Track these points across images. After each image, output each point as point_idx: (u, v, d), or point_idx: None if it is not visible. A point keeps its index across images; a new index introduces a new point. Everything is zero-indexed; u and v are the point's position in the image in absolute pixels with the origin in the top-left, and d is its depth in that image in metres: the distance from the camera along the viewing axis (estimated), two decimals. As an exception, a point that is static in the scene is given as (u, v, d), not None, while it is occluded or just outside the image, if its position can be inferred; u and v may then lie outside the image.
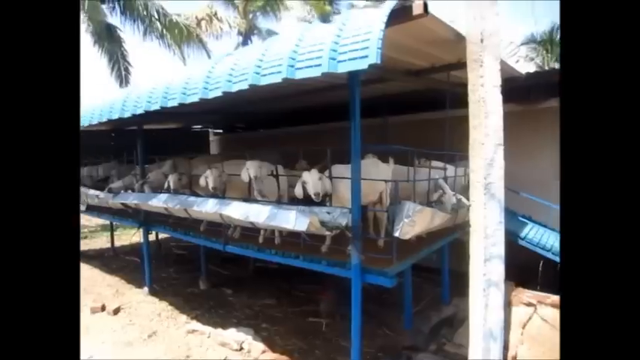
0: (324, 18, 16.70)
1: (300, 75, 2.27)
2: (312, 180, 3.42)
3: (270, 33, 15.93)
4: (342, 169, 3.71)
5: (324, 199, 3.62)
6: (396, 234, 3.10)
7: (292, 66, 2.28)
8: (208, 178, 4.21)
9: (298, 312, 5.25)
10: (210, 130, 11.75)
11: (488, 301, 3.04)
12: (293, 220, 3.10)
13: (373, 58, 1.98)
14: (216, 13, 13.97)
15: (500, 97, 2.93)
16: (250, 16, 14.92)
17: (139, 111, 3.71)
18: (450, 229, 4.49)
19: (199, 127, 11.25)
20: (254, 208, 3.50)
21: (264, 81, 2.45)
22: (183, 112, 6.86)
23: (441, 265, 5.00)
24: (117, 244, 8.82)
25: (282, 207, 3.41)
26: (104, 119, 4.37)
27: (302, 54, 2.28)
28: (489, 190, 2.99)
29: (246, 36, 15.11)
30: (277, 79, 2.35)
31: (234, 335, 4.28)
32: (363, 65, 2.03)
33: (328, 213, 3.45)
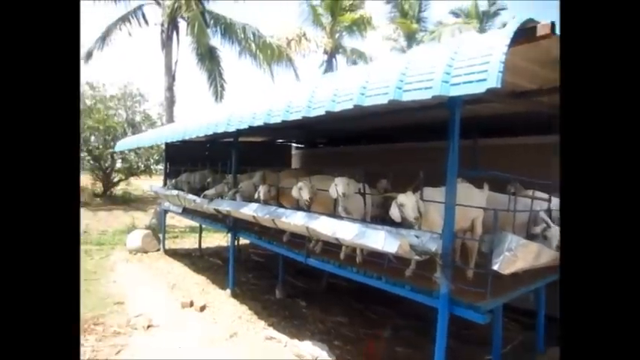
0: (411, 36, 16.64)
1: (407, 97, 2.27)
2: (410, 203, 3.36)
3: (355, 52, 16.33)
4: (432, 193, 3.60)
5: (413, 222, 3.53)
6: (495, 267, 2.89)
7: (400, 88, 2.28)
8: (302, 190, 4.37)
9: (371, 334, 5.13)
10: (292, 144, 12.27)
11: None
12: (382, 240, 3.07)
13: (493, 81, 1.90)
14: (305, 34, 14.77)
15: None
16: (337, 35, 15.47)
17: (243, 126, 4.02)
18: (550, 269, 4.05)
19: (282, 141, 11.82)
20: (342, 224, 3.54)
21: (370, 101, 2.49)
22: (272, 127, 7.30)
23: (537, 308, 4.51)
24: (202, 245, 9.55)
25: (371, 226, 3.39)
26: (210, 132, 4.82)
27: (412, 75, 2.27)
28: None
29: (331, 54, 15.68)
30: (383, 100, 2.38)
31: (309, 348, 4.32)
32: (480, 89, 1.96)
33: (417, 237, 3.35)
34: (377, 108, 4.76)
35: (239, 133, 5.32)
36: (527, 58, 2.78)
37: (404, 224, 3.52)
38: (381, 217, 4.48)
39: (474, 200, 3.82)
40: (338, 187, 3.94)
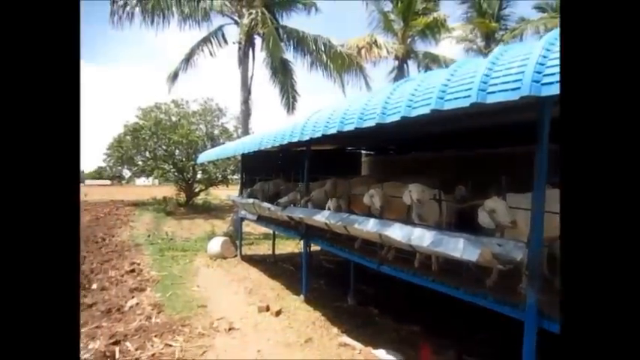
0: (489, 35, 15.81)
1: (492, 99, 2.20)
2: (501, 207, 3.22)
3: (427, 56, 15.96)
4: (516, 199, 3.40)
5: (495, 231, 3.36)
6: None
7: (484, 90, 2.22)
8: (374, 198, 4.41)
9: (447, 345, 4.92)
10: (362, 151, 12.33)
11: None
12: (461, 248, 2.97)
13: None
14: (375, 41, 14.80)
15: None
16: (408, 40, 15.28)
17: (317, 134, 4.18)
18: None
19: (352, 148, 11.93)
20: (417, 231, 3.49)
21: (449, 105, 2.46)
22: (343, 135, 7.44)
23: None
24: (276, 252, 9.96)
25: (448, 233, 3.30)
26: (285, 142, 5.08)
27: (497, 76, 2.20)
28: None
29: (403, 60, 15.49)
30: (465, 103, 2.33)
31: (383, 356, 4.28)
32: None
33: (499, 245, 3.18)
34: (451, 112, 4.67)
35: (311, 141, 5.52)
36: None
37: (484, 232, 3.37)
38: (458, 225, 4.32)
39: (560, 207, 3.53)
40: (412, 193, 3.90)
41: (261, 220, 8.50)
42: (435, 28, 14.68)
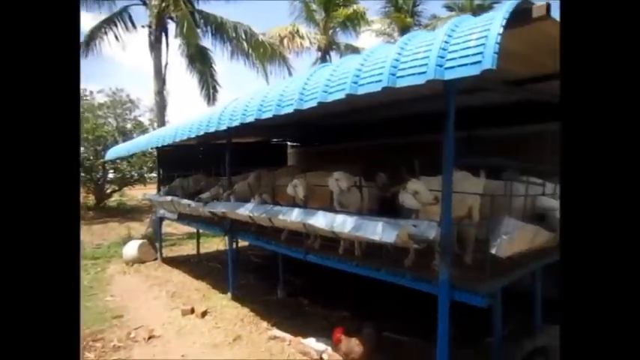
0: (405, 30, 16.67)
1: (402, 83, 2.25)
2: (423, 188, 3.35)
3: (349, 47, 16.33)
4: (430, 182, 3.61)
5: (409, 213, 3.53)
6: (493, 251, 2.89)
7: (394, 74, 2.27)
8: (297, 188, 4.36)
9: (375, 326, 5.11)
10: (287, 143, 12.25)
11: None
12: (380, 231, 3.06)
13: (488, 62, 1.89)
14: (298, 31, 14.70)
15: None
16: (330, 32, 15.44)
17: (235, 123, 3.99)
18: (547, 252, 4.08)
19: (277, 140, 11.79)
20: (339, 218, 3.53)
21: (362, 90, 2.48)
22: (265, 125, 7.27)
23: (534, 290, 4.53)
24: (201, 251, 9.49)
25: (368, 218, 3.38)
26: (202, 132, 4.78)
27: (405, 61, 2.26)
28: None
29: (325, 51, 15.63)
30: (377, 87, 2.36)
31: (313, 344, 4.30)
32: (474, 71, 1.95)
33: (414, 226, 3.35)
34: (372, 101, 4.83)
35: (231, 132, 5.28)
36: (522, 42, 2.77)
37: (403, 216, 3.53)
38: (380, 211, 4.47)
39: (470, 188, 3.83)
40: (340, 181, 3.92)
41: (182, 218, 8.00)
42: (355, 20, 15.07)
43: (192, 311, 5.64)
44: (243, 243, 7.68)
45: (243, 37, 12.34)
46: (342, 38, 16.57)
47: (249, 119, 3.71)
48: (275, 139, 11.62)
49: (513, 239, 2.85)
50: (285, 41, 14.31)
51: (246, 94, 4.56)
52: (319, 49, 15.47)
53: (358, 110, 5.41)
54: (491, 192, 3.73)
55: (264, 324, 5.15)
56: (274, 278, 6.52)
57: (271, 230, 5.44)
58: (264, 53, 12.51)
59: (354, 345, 3.91)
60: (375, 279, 3.87)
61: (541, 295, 4.59)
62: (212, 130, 4.45)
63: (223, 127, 4.21)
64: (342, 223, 3.43)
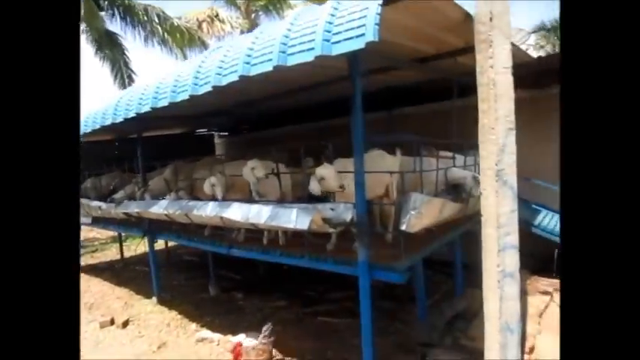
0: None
1: (292, 61, 2.12)
2: (330, 173, 3.26)
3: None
4: (345, 164, 3.56)
5: (328, 196, 3.47)
6: (403, 227, 2.93)
7: (284, 52, 2.12)
8: (215, 187, 4.09)
9: (310, 312, 5.12)
10: (215, 133, 11.68)
11: (503, 293, 2.89)
12: (294, 218, 2.95)
13: (370, 35, 1.82)
14: (217, 15, 13.86)
15: (511, 80, 2.74)
16: (253, 15, 14.80)
17: (131, 114, 3.60)
18: (462, 220, 4.30)
19: (204, 130, 11.19)
20: (254, 208, 3.36)
21: (255, 70, 2.30)
22: (187, 115, 6.81)
23: (454, 258, 4.81)
24: (127, 254, 8.79)
25: (284, 206, 3.26)
26: (97, 126, 4.28)
27: (294, 38, 2.12)
28: (501, 178, 2.82)
29: (248, 36, 14.97)
30: (268, 67, 2.20)
31: (243, 341, 4.14)
32: (359, 44, 1.87)
33: (332, 209, 3.29)
34: (291, 84, 4.69)
35: (139, 123, 4.82)
36: (418, 18, 2.77)
37: (323, 199, 3.45)
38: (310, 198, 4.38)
39: (386, 166, 3.87)
40: (255, 169, 3.73)
41: (97, 222, 7.27)
42: (278, 4, 14.57)
43: (112, 322, 5.17)
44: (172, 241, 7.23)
45: (156, 20, 11.36)
46: (266, 22, 16.05)
47: (145, 109, 3.36)
48: (201, 130, 11.00)
49: (421, 214, 2.91)
50: (205, 26, 13.43)
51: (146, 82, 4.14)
52: (242, 33, 14.81)
53: (283, 94, 5.25)
54: (407, 169, 3.80)
55: (193, 326, 4.88)
56: (208, 276, 6.22)
57: (195, 227, 5.13)
58: (181, 38, 11.66)
59: (254, 356, 3.76)
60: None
61: (461, 261, 4.89)
62: (108, 122, 3.99)
63: (120, 119, 3.78)
64: (258, 214, 3.27)
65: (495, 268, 2.81)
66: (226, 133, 11.72)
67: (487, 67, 2.68)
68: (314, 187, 3.27)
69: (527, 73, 4.72)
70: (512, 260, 2.80)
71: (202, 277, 6.59)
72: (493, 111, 2.70)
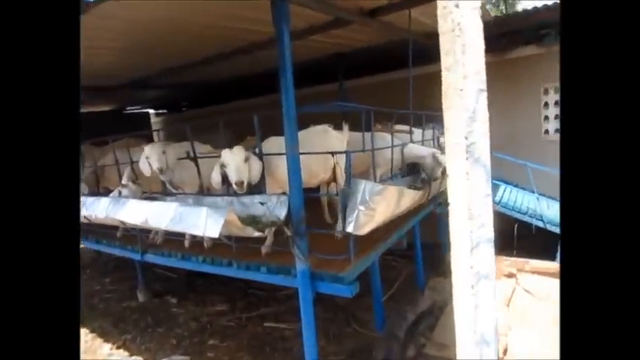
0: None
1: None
2: (234, 162, 2.45)
3: None
4: (279, 143, 2.79)
5: (259, 186, 2.69)
6: (349, 229, 2.22)
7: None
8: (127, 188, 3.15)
9: (256, 317, 4.42)
10: (151, 111, 10.36)
11: (478, 300, 2.29)
12: (203, 221, 2.15)
13: None
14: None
15: (481, 24, 2.08)
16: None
17: None
18: (424, 205, 3.69)
19: (137, 108, 9.84)
20: (155, 207, 2.50)
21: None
22: (108, 86, 5.72)
23: (414, 246, 4.24)
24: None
25: (190, 204, 2.44)
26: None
27: None
28: (472, 154, 2.16)
29: None
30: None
31: (165, 367, 3.38)
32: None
33: (262, 203, 2.53)
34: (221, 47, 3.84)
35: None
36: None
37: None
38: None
39: (331, 145, 3.13)
40: (150, 159, 2.83)
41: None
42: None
43: None
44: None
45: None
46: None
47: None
48: (132, 107, 9.64)
49: (372, 210, 2.20)
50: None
51: None
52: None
53: (214, 59, 4.40)
54: (356, 146, 3.09)
55: (107, 348, 4.00)
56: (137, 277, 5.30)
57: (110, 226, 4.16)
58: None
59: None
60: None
61: (421, 246, 4.33)
62: None
63: None
64: (159, 216, 2.42)
65: (468, 270, 2.19)
66: (164, 111, 10.45)
67: (451, 6, 2.01)
68: (215, 178, 2.48)
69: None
70: (487, 258, 2.21)
71: (132, 279, 5.65)
72: (460, 66, 2.03)
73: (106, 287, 5.84)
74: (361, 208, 2.14)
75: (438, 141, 4.31)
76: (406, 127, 3.58)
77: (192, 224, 2.20)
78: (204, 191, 3.14)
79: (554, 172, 4.50)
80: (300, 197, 2.38)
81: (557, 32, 4.73)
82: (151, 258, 3.47)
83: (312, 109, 2.74)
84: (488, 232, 2.21)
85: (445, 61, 2.05)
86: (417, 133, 3.80)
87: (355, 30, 3.96)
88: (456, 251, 2.15)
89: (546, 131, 5.49)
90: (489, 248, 2.20)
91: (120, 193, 3.34)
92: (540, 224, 4.54)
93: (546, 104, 5.44)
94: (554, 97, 5.38)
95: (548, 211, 4.78)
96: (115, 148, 3.94)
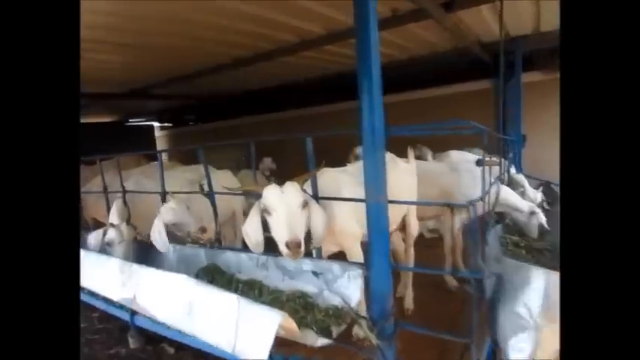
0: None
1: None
2: (286, 207, 1.51)
3: None
4: (338, 179, 1.90)
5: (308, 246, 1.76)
6: (519, 356, 1.25)
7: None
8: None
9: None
10: (155, 124, 9.52)
11: None
12: (233, 328, 1.21)
13: None
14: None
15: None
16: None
17: None
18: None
19: (140, 120, 9.02)
20: (163, 287, 1.56)
21: None
22: (110, 93, 5.18)
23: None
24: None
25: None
26: None
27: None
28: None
29: None
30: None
31: None
32: None
33: (315, 274, 1.61)
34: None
35: None
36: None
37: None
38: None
39: (403, 182, 2.23)
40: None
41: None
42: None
43: None
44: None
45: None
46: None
47: None
48: (135, 119, 8.80)
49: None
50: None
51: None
52: None
53: (227, 67, 4.00)
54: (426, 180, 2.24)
55: None
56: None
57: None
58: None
59: None
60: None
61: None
62: None
63: None
64: (165, 306, 1.49)
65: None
66: (169, 125, 9.60)
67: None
68: (251, 234, 1.58)
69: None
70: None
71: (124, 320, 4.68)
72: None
73: (94, 325, 4.83)
74: (540, 320, 1.19)
75: (508, 174, 3.37)
76: (495, 159, 2.64)
77: (209, 330, 1.25)
78: (220, 242, 2.23)
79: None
80: (386, 270, 1.46)
81: None
82: (142, 323, 2.56)
83: (414, 130, 1.86)
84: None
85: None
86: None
87: (416, 31, 3.23)
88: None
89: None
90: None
91: (105, 233, 2.46)
92: None
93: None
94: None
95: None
96: (102, 170, 2.99)
